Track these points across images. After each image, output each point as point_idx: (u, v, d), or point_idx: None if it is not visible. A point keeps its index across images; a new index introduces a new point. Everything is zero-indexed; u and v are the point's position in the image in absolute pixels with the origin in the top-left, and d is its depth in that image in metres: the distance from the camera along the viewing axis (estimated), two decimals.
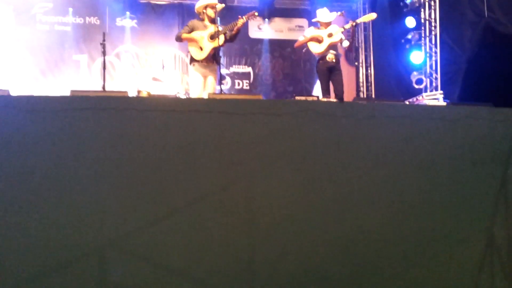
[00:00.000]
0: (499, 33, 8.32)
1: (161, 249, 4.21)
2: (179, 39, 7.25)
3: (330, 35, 7.59)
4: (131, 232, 4.17)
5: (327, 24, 7.73)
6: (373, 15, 7.85)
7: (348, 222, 4.56)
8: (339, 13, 7.99)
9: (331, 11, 7.90)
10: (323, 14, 7.80)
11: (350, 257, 4.54)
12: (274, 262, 4.39)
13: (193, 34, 7.07)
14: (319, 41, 7.62)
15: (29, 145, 4.11)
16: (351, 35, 7.71)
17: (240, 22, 6.97)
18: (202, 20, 7.22)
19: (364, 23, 12.55)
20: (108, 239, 4.13)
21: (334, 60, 7.65)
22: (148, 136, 4.31)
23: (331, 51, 7.64)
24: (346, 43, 7.73)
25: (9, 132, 4.09)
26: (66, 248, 4.05)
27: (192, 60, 7.17)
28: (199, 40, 7.01)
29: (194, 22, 7.26)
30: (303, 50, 8.13)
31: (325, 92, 7.70)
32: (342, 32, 7.64)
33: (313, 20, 8.05)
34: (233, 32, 7.13)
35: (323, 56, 7.67)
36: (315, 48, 7.68)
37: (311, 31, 7.84)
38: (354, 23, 7.50)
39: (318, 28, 7.83)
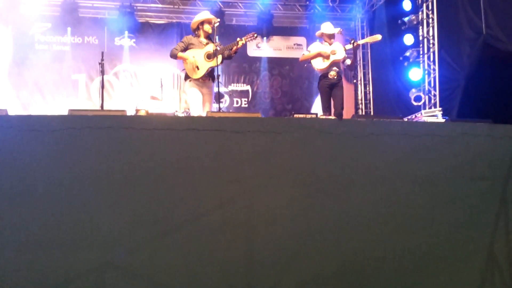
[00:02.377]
0: (497, 50, 8.32)
1: (160, 267, 4.16)
2: (174, 56, 7.06)
3: (333, 53, 7.59)
4: (129, 250, 4.13)
5: (331, 37, 7.72)
6: (378, 37, 7.81)
7: (348, 239, 4.52)
8: (337, 30, 8.01)
9: None
10: (327, 26, 7.80)
11: (350, 274, 4.49)
12: (274, 280, 4.34)
13: (189, 54, 6.98)
14: (323, 57, 7.62)
15: (28, 164, 4.08)
16: (353, 54, 7.71)
17: (240, 43, 6.92)
18: (198, 36, 7.16)
19: None
20: (107, 258, 4.09)
21: (335, 77, 7.65)
22: (146, 154, 4.29)
23: (334, 68, 7.65)
24: (348, 61, 7.77)
25: (8, 151, 4.06)
26: (65, 267, 4.01)
27: (187, 77, 7.05)
28: (195, 60, 6.92)
29: (190, 38, 7.12)
30: (305, 65, 8.11)
31: (326, 109, 7.67)
32: (345, 51, 7.67)
33: (317, 33, 8.02)
34: (231, 52, 7.04)
35: (325, 73, 7.67)
36: (318, 65, 7.67)
37: (316, 46, 7.82)
38: (356, 43, 7.50)
39: (322, 43, 7.83)
